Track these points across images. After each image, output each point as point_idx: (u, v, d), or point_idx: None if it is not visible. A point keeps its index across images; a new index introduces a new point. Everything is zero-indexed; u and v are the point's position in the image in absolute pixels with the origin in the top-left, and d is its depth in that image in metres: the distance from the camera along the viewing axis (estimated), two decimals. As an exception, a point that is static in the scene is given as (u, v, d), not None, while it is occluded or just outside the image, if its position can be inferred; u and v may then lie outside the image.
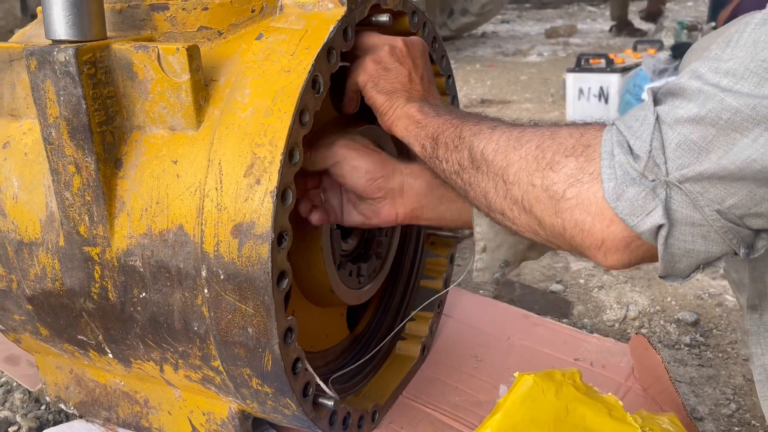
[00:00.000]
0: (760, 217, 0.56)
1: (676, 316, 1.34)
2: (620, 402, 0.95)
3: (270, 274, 0.71)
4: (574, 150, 0.62)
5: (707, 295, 1.43)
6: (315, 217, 0.88)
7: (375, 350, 1.10)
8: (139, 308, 0.80)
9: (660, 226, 0.58)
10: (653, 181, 0.57)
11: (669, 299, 1.41)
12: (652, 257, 0.60)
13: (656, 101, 0.60)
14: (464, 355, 1.18)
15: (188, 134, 0.76)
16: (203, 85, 0.76)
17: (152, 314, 0.80)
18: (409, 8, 0.94)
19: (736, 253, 0.58)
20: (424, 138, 0.78)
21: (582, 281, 1.52)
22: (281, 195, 0.71)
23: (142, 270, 0.78)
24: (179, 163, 0.76)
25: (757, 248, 0.58)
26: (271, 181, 0.70)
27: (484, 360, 1.16)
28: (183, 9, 0.81)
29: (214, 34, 0.82)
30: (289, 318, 0.75)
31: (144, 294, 0.79)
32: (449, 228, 1.15)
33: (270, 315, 0.72)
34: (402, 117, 0.81)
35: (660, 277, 0.62)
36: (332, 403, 0.84)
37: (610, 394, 0.99)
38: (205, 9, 0.81)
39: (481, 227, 0.87)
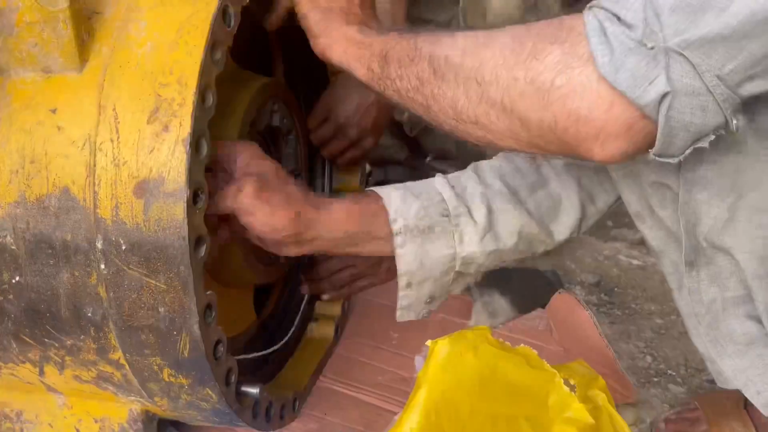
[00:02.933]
0: (753, 79, 0.54)
1: (579, 279, 1.35)
2: (534, 351, 0.92)
3: (186, 239, 0.59)
4: (556, 36, 0.56)
5: (602, 257, 1.46)
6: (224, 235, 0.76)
7: (287, 336, 0.99)
8: (11, 296, 0.65)
9: (664, 96, 0.53)
10: (652, 48, 0.53)
11: (569, 263, 1.43)
12: (649, 143, 0.56)
13: None
14: (380, 333, 1.10)
15: (69, 77, 0.62)
16: (86, 16, 0.62)
17: (30, 302, 0.65)
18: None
19: (726, 127, 0.56)
20: (370, 58, 0.69)
21: (481, 252, 1.50)
22: (195, 144, 0.59)
23: (13, 248, 0.63)
24: (60, 111, 0.61)
25: (739, 123, 0.56)
26: (182, 126, 0.59)
27: (401, 335, 1.10)
28: (51, -73, 0.66)
29: (93, -40, 0.68)
30: (208, 293, 0.64)
31: (18, 278, 0.64)
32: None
33: (187, 289, 0.61)
34: (340, 39, 0.71)
35: (654, 155, 0.57)
36: (257, 390, 0.74)
37: (522, 345, 0.96)
38: (80, -72, 0.67)
39: (405, 259, 0.81)
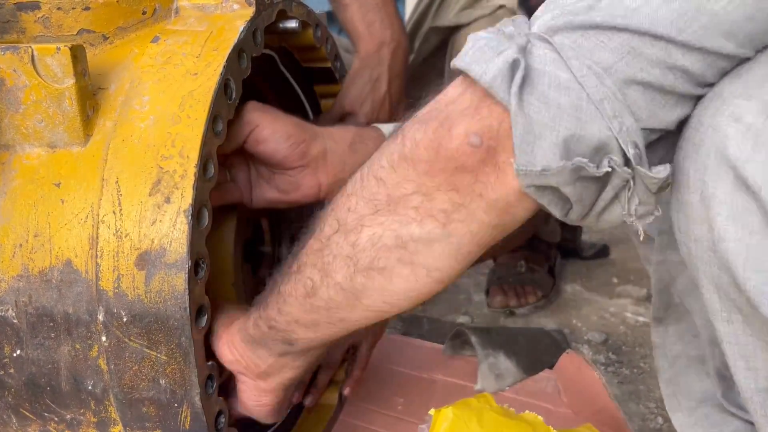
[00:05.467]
0: (649, 89, 0.44)
1: (585, 337, 1.34)
2: (539, 417, 0.90)
3: (187, 309, 0.59)
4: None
5: (608, 314, 1.44)
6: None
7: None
8: (12, 370, 0.65)
9: (514, 70, 0.44)
10: (512, 37, 0.47)
11: (575, 321, 1.41)
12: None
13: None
14: (385, 398, 1.09)
15: (74, 151, 0.63)
16: (91, 92, 0.63)
17: (30, 376, 0.64)
18: (312, 20, 0.88)
19: (623, 153, 0.45)
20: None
21: (486, 311, 1.49)
22: (197, 214, 0.60)
23: (15, 321, 0.63)
24: (63, 185, 0.62)
25: (651, 158, 0.46)
26: (184, 198, 0.59)
27: (406, 400, 1.08)
28: (59, 8, 0.69)
29: (98, 39, 0.70)
30: (209, 363, 0.63)
31: (19, 351, 0.64)
32: None
33: (188, 360, 0.60)
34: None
35: (516, 170, 0.46)
36: (259, 463, 0.72)
37: (527, 411, 0.94)
38: (87, 9, 0.69)
39: None
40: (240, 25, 0.68)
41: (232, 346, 0.66)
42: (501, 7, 1.20)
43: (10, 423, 0.68)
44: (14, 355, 0.64)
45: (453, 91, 0.50)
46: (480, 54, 0.46)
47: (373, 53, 1.08)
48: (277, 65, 0.89)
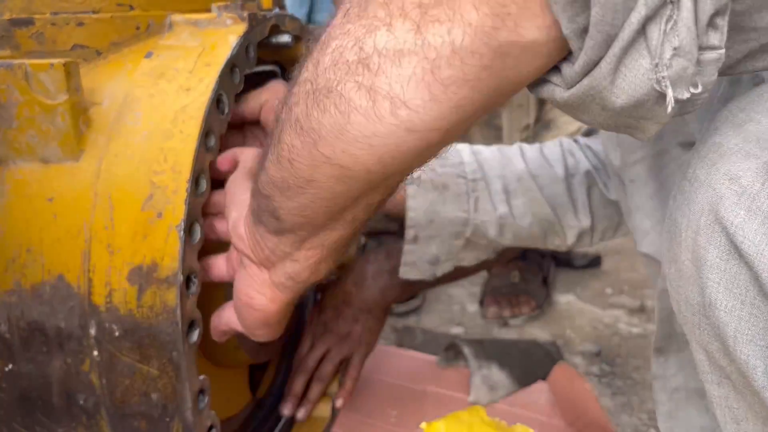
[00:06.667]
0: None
1: (579, 349, 1.34)
2: (531, 430, 0.91)
3: (179, 324, 0.59)
4: None
5: (602, 325, 1.44)
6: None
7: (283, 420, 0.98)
8: (3, 385, 0.65)
9: None
10: None
11: (569, 332, 1.41)
12: None
13: None
14: (377, 409, 1.09)
15: (66, 166, 0.63)
16: (84, 107, 0.64)
17: (22, 390, 0.64)
18: (306, 35, 0.88)
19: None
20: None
21: (480, 322, 1.49)
22: (189, 230, 0.60)
23: (8, 336, 0.63)
24: (56, 200, 0.63)
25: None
26: (176, 213, 0.60)
27: (399, 411, 1.08)
28: (53, 24, 0.69)
29: (92, 54, 0.71)
30: (201, 377, 0.63)
31: (11, 366, 0.64)
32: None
33: (180, 375, 0.60)
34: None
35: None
36: (251, 476, 0.72)
37: (519, 424, 0.95)
38: (81, 24, 0.70)
39: (415, 212, 0.79)
40: (233, 41, 0.69)
41: (246, 221, 0.60)
42: None
43: (1, 437, 0.68)
44: (6, 369, 0.64)
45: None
46: None
47: None
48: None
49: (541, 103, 1.50)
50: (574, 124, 1.42)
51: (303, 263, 0.58)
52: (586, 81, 0.36)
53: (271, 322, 0.64)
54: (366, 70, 0.39)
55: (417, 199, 0.80)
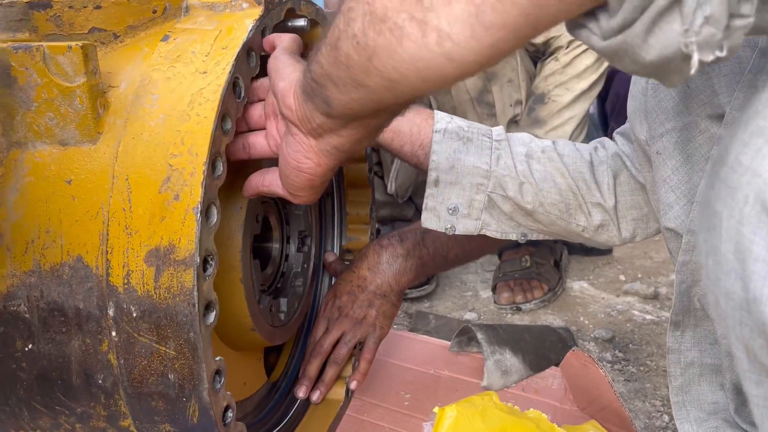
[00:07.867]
0: None
1: (592, 335, 1.34)
2: (544, 415, 0.91)
3: (196, 305, 0.60)
4: None
5: (616, 312, 1.44)
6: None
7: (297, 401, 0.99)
8: (24, 364, 0.66)
9: None
10: None
11: (582, 319, 1.41)
12: None
13: None
14: (391, 393, 1.09)
15: (84, 148, 0.64)
16: (102, 90, 0.64)
17: (42, 370, 0.65)
18: (321, 18, 0.88)
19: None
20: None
21: (493, 308, 1.49)
22: (205, 212, 0.61)
23: (27, 316, 0.64)
24: (74, 182, 0.63)
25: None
26: (193, 195, 0.60)
27: (413, 395, 1.08)
28: (70, 7, 0.70)
29: (109, 37, 0.71)
30: (217, 359, 0.64)
31: (31, 345, 0.65)
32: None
33: (196, 355, 0.61)
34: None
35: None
36: (267, 457, 0.73)
37: (531, 409, 0.95)
38: (98, 8, 0.70)
39: (438, 155, 0.83)
40: (249, 24, 0.69)
41: (296, 94, 0.63)
42: None
43: (21, 416, 0.69)
44: (26, 349, 0.65)
45: None
46: None
47: None
48: None
49: (531, 78, 1.51)
50: (567, 95, 1.43)
51: (346, 138, 0.63)
52: (620, 37, 0.39)
53: (315, 184, 0.68)
54: (419, 4, 0.44)
55: (441, 145, 0.84)
